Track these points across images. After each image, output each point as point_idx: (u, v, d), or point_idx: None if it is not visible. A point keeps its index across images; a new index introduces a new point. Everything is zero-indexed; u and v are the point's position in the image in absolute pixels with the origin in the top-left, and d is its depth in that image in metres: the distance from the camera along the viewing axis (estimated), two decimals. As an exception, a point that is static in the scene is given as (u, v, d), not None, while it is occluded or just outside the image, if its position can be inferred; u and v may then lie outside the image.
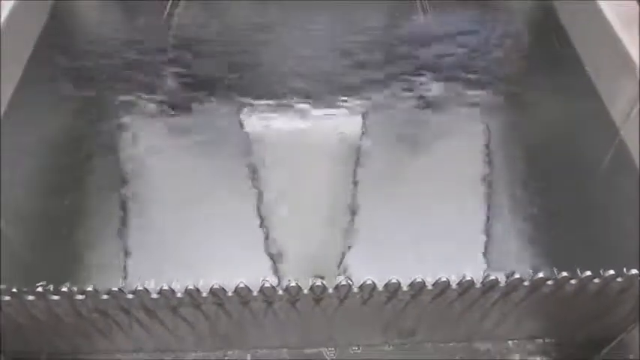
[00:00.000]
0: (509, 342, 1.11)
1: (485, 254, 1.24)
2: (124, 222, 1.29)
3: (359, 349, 1.09)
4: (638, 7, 1.43)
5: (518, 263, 1.22)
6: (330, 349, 1.09)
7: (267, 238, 1.26)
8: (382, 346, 1.10)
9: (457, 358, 1.10)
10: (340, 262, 1.22)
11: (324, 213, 1.31)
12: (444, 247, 1.24)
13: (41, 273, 1.12)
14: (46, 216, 1.30)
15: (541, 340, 1.12)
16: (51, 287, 0.88)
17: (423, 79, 1.62)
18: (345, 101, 1.56)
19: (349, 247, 1.24)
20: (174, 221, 1.29)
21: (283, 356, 1.09)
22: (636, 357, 1.08)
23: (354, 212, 1.31)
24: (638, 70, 1.30)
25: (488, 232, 1.27)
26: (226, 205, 1.33)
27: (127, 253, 1.23)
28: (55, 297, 0.89)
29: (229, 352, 1.09)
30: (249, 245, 1.25)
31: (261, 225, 1.28)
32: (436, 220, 1.30)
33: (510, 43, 1.73)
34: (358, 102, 1.56)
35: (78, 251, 1.24)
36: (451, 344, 1.11)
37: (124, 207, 1.31)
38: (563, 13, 1.68)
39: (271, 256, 1.23)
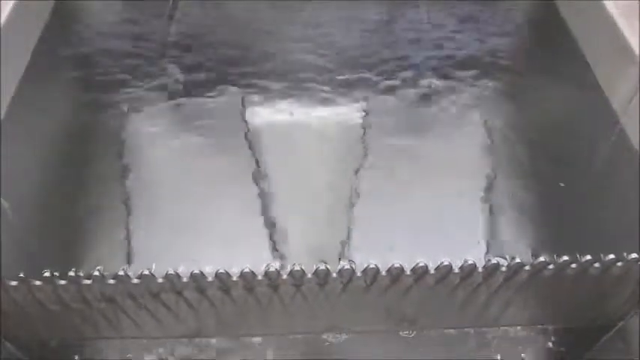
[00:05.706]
0: (511, 328, 1.12)
1: (486, 240, 1.25)
2: (128, 210, 1.30)
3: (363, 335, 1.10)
4: (637, -3, 1.44)
5: (519, 249, 1.23)
6: (336, 335, 1.10)
7: (270, 224, 1.27)
8: (385, 332, 1.11)
9: (459, 344, 1.11)
10: (343, 248, 1.23)
11: (327, 200, 1.32)
12: (446, 232, 1.25)
13: (47, 260, 1.13)
14: (50, 207, 1.31)
15: (543, 327, 1.12)
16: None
17: (425, 67, 1.63)
18: (347, 92, 1.57)
19: (351, 233, 1.25)
20: (179, 208, 1.30)
21: (288, 341, 1.10)
22: (636, 344, 1.09)
23: (355, 198, 1.32)
24: (637, 60, 1.31)
25: (489, 219, 1.29)
26: (230, 193, 1.34)
27: (131, 240, 1.24)
28: (62, 282, 0.89)
29: (233, 338, 1.10)
30: (253, 231, 1.26)
31: (265, 211, 1.30)
32: (438, 208, 1.31)
33: (511, 34, 1.74)
34: (360, 93, 1.57)
35: (83, 239, 1.25)
36: (453, 331, 1.11)
37: (127, 196, 1.32)
38: (564, 4, 1.69)
39: (274, 242, 1.24)
